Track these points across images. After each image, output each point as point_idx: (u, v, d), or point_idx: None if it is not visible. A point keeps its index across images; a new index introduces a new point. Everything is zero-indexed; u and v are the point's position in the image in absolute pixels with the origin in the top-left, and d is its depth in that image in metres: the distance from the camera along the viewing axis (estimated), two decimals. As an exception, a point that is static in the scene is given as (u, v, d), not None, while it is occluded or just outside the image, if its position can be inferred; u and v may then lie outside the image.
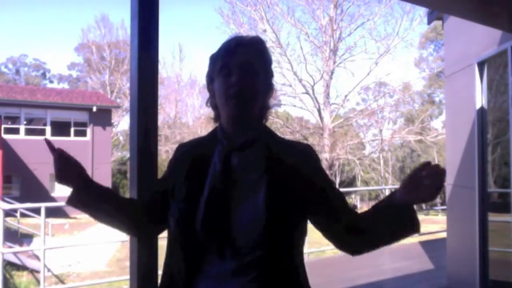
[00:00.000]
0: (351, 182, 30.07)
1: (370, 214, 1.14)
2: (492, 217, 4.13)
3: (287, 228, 1.07)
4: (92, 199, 1.19)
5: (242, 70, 1.11)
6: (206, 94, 1.25)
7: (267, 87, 1.19)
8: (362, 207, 33.46)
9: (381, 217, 1.12)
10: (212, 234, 1.05)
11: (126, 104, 31.62)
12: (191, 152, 1.20)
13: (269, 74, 1.20)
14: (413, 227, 1.12)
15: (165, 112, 34.31)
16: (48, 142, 1.16)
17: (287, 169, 1.11)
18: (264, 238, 1.02)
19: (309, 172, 1.14)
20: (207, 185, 1.10)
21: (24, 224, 13.00)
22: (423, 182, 1.04)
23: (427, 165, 1.05)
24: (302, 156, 1.16)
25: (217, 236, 1.05)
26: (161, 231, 1.30)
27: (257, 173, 1.10)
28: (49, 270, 8.70)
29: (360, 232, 1.14)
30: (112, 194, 1.24)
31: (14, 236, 12.37)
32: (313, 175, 1.15)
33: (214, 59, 1.18)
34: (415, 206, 1.14)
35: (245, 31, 16.79)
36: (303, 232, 1.14)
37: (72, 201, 1.19)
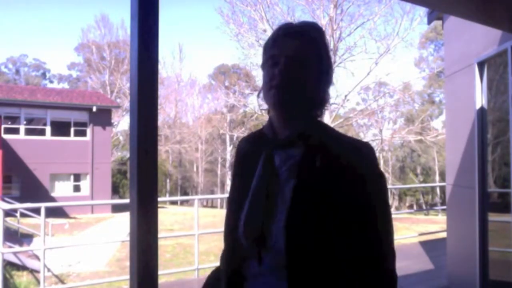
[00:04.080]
0: (351, 182, 30.01)
1: None
2: (492, 217, 4.13)
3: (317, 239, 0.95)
4: None
5: (287, 60, 1.02)
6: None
7: (320, 77, 1.05)
8: (362, 207, 33.39)
9: None
10: (251, 239, 1.01)
11: (126, 104, 31.62)
12: (245, 149, 1.16)
13: (323, 63, 1.06)
14: None
15: (165, 112, 34.33)
16: None
17: (333, 173, 0.96)
18: (294, 250, 0.94)
19: (355, 184, 0.95)
20: (252, 187, 1.05)
21: (24, 224, 13.00)
22: None
23: None
24: (357, 158, 0.98)
25: (255, 241, 1.01)
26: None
27: (289, 174, 1.01)
28: (49, 270, 8.69)
29: None
30: None
31: (14, 236, 12.37)
32: (358, 190, 0.95)
33: (264, 49, 1.11)
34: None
35: (245, 31, 16.80)
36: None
37: None
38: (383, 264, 0.97)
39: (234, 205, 1.10)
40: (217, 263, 1.23)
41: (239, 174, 1.14)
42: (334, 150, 0.99)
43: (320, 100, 1.06)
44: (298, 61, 1.02)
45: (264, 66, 1.08)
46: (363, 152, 0.99)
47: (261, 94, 1.09)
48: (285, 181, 1.00)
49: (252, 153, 1.10)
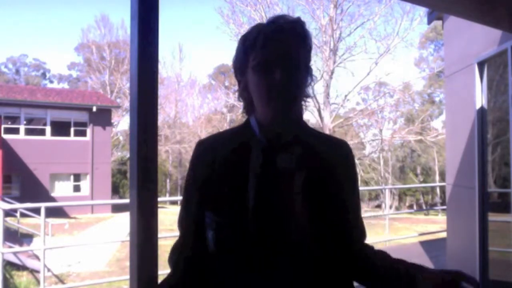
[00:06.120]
0: (351, 182, 30.01)
1: (385, 269, 1.06)
2: (492, 217, 4.13)
3: (329, 228, 1.02)
4: None
5: (284, 64, 0.99)
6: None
7: (308, 77, 1.07)
8: (362, 207, 33.44)
9: (392, 283, 1.05)
10: (265, 241, 0.99)
11: (126, 104, 31.63)
12: (221, 151, 1.07)
13: (309, 61, 1.08)
14: None
15: (165, 112, 34.32)
16: None
17: (326, 168, 1.05)
18: (312, 242, 0.99)
19: (344, 175, 1.08)
20: (251, 190, 1.00)
21: (24, 224, 13.00)
22: None
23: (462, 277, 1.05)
24: (341, 153, 1.10)
25: (269, 243, 0.99)
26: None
27: (297, 174, 1.02)
28: (49, 270, 8.69)
29: (366, 271, 1.08)
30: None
31: (14, 236, 12.37)
32: (347, 179, 1.09)
33: (248, 46, 1.03)
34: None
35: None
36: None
37: None
38: (365, 237, 1.14)
39: (219, 206, 1.05)
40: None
41: (221, 180, 1.04)
42: (324, 145, 1.09)
43: (307, 97, 1.09)
44: (294, 63, 1.02)
45: (252, 67, 1.03)
46: (347, 148, 1.13)
47: (239, 95, 1.10)
48: (289, 176, 1.02)
49: (233, 153, 1.06)
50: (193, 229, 1.09)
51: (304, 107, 1.10)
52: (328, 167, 1.05)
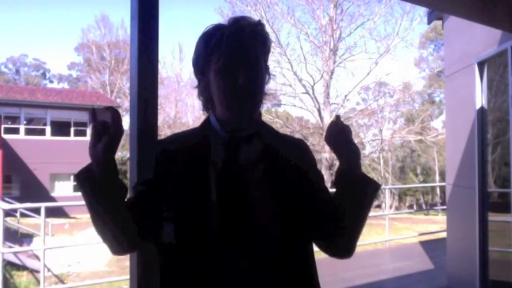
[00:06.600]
0: (351, 182, 29.98)
1: (336, 199, 1.11)
2: (492, 217, 4.13)
3: (295, 220, 1.05)
4: (107, 185, 0.98)
5: (247, 68, 1.03)
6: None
7: (266, 76, 1.10)
8: (362, 207, 33.36)
9: (343, 195, 1.08)
10: (229, 235, 1.00)
11: (126, 104, 31.60)
12: (182, 149, 1.09)
13: (267, 61, 1.11)
14: (369, 185, 1.07)
15: (165, 112, 34.28)
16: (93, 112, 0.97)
17: (285, 162, 1.09)
18: (275, 234, 1.01)
19: (305, 167, 1.13)
20: (212, 184, 1.02)
21: (24, 224, 13.00)
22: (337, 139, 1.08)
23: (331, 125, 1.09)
24: (298, 150, 1.16)
25: (234, 237, 1.00)
26: (140, 247, 1.18)
27: (258, 167, 1.06)
28: (49, 270, 8.70)
29: (340, 221, 1.09)
30: (123, 191, 1.04)
31: (14, 236, 12.37)
32: (308, 171, 1.13)
33: (210, 48, 1.05)
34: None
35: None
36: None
37: (89, 176, 0.97)
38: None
39: (179, 201, 1.04)
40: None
41: (183, 176, 1.05)
42: (282, 140, 1.15)
43: (265, 94, 1.11)
44: (256, 67, 1.05)
45: (214, 69, 1.04)
46: (304, 143, 1.20)
47: (200, 93, 1.13)
48: (250, 169, 1.05)
49: (194, 149, 1.07)
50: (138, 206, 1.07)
51: (262, 104, 1.13)
52: (286, 158, 1.09)
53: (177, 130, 34.99)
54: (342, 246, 1.12)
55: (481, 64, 4.28)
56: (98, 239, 1.09)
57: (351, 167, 1.07)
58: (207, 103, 1.12)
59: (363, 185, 1.07)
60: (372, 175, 26.31)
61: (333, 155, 19.27)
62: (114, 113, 0.97)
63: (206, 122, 1.12)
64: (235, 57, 1.02)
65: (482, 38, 4.28)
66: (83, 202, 1.04)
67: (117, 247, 1.09)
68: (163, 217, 1.05)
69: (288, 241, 1.03)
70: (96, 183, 0.97)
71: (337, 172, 1.09)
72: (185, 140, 1.12)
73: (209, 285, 0.99)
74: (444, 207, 6.18)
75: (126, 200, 1.06)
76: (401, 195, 34.72)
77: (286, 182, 1.06)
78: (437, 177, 33.12)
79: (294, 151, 1.14)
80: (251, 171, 1.05)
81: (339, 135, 1.08)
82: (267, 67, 1.11)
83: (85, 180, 0.98)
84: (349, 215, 1.08)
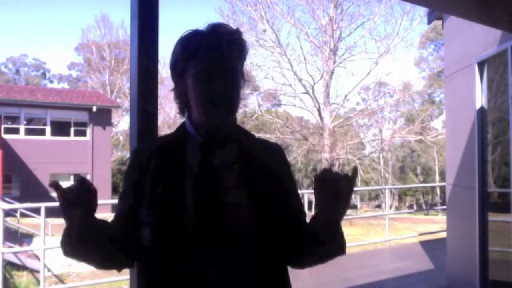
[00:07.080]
0: (351, 182, 29.95)
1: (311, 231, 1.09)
2: (492, 217, 4.13)
3: (269, 222, 1.05)
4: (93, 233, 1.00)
5: (225, 75, 1.05)
6: None
7: (242, 82, 1.12)
8: (362, 207, 33.45)
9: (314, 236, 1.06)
10: (207, 237, 1.01)
11: (126, 104, 31.59)
12: (157, 154, 1.10)
13: (243, 67, 1.13)
14: (333, 242, 1.06)
15: (165, 112, 34.26)
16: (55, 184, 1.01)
17: (260, 165, 1.10)
18: (249, 235, 1.02)
19: (280, 172, 1.14)
20: (188, 188, 1.04)
21: (24, 224, 12.99)
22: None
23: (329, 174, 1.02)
24: (274, 154, 1.17)
25: (212, 238, 1.01)
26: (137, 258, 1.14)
27: (233, 170, 1.07)
28: (49, 270, 8.69)
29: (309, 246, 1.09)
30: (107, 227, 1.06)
31: (14, 236, 12.37)
32: (283, 175, 1.15)
33: (188, 53, 1.07)
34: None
35: (245, 31, 16.79)
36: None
37: (75, 236, 1.01)
38: (305, 217, 1.17)
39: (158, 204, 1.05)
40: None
41: (160, 180, 1.06)
42: (258, 143, 1.16)
43: (240, 99, 1.12)
44: (233, 74, 1.07)
45: (192, 74, 1.06)
46: (279, 147, 1.22)
47: (176, 97, 1.13)
48: (226, 171, 1.07)
49: (170, 154, 1.09)
50: (126, 218, 1.09)
51: (238, 109, 1.14)
52: (262, 161, 1.11)
53: (177, 130, 35.09)
54: (297, 260, 1.13)
55: (481, 64, 4.28)
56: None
57: (330, 221, 1.04)
58: (183, 107, 1.13)
59: (330, 238, 1.05)
60: (372, 175, 26.33)
61: (333, 155, 19.26)
62: (83, 187, 1.05)
63: (182, 127, 1.14)
64: (212, 63, 1.04)
65: (482, 38, 4.28)
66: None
67: (118, 267, 1.13)
68: (141, 222, 1.06)
69: (262, 242, 1.04)
70: (82, 243, 1.00)
71: (315, 216, 1.06)
72: (160, 145, 1.13)
73: (187, 287, 1.01)
74: (444, 207, 6.19)
75: (115, 216, 1.10)
76: (401, 195, 34.73)
77: (261, 184, 1.07)
78: (437, 177, 33.13)
79: (269, 154, 1.15)
80: (226, 173, 1.07)
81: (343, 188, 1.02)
82: (243, 73, 1.13)
83: (71, 245, 1.02)
84: (311, 246, 1.08)
